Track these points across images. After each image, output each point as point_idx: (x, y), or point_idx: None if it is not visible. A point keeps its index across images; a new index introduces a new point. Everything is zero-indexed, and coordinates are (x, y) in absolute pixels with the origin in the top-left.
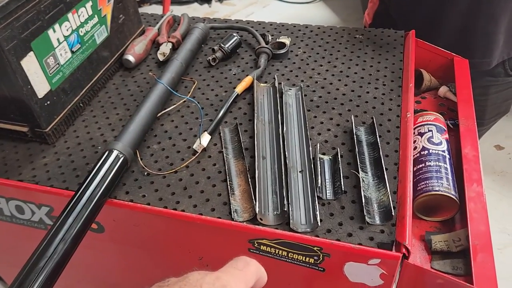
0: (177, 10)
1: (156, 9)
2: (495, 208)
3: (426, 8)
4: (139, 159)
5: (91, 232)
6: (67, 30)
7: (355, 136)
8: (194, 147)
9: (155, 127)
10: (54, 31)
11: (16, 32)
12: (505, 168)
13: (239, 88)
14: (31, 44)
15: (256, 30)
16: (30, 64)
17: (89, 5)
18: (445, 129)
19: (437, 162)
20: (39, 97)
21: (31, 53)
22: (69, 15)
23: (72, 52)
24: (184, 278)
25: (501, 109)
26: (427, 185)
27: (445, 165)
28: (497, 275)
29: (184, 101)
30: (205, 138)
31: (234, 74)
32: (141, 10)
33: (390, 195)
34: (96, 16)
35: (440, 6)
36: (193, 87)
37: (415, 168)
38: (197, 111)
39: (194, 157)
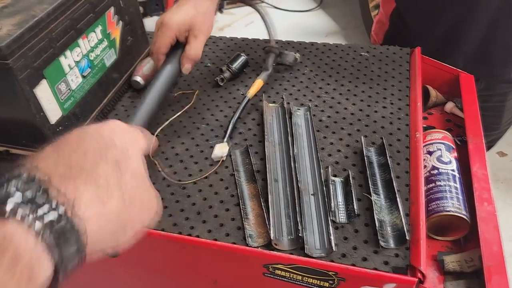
0: None
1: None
2: (499, 216)
3: (446, 23)
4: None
5: (104, 256)
6: (77, 55)
7: (365, 157)
8: (212, 157)
9: (165, 149)
10: (66, 57)
11: (30, 61)
12: (508, 175)
13: (250, 93)
14: (43, 71)
15: (262, 49)
16: (43, 91)
17: (98, 29)
18: (454, 147)
19: (447, 182)
20: (52, 123)
21: (44, 81)
22: (80, 40)
23: (83, 76)
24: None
25: None
26: (438, 205)
27: (455, 185)
28: None
29: (194, 123)
30: (224, 148)
31: (242, 94)
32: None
33: (403, 218)
34: (105, 40)
35: (460, 21)
36: (195, 96)
37: (425, 188)
38: (207, 132)
39: (214, 168)
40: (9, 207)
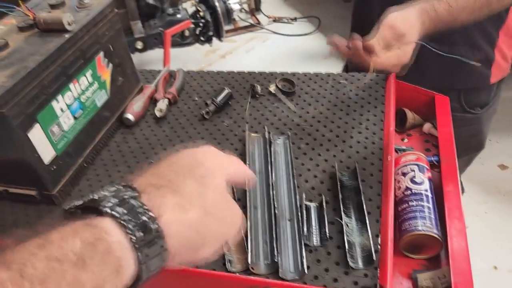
0: (179, 52)
1: (159, 52)
2: (502, 229)
3: None
4: None
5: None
6: (69, 99)
7: (339, 182)
8: None
9: None
10: (58, 101)
11: (23, 108)
12: (510, 187)
13: None
14: (36, 116)
15: (247, 81)
16: (36, 134)
17: (89, 73)
18: (427, 167)
19: (419, 202)
20: (46, 163)
21: (37, 125)
22: (71, 85)
23: (75, 118)
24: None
25: (471, 145)
26: (410, 225)
27: (428, 205)
28: None
29: None
30: None
31: (227, 126)
32: (144, 55)
33: (371, 239)
34: (96, 82)
35: None
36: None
37: (399, 208)
38: None
39: None
40: (103, 207)
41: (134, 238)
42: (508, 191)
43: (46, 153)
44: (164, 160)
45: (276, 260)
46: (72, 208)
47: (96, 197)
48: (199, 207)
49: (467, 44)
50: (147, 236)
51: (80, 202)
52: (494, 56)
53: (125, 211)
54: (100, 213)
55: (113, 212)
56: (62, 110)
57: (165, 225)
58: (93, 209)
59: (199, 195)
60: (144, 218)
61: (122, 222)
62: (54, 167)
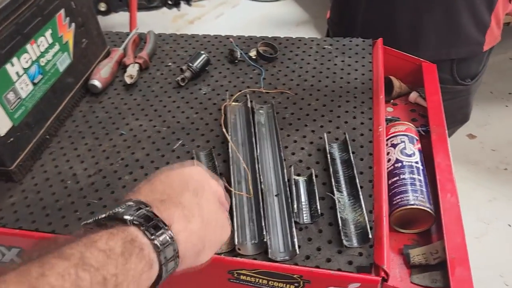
0: (145, 16)
1: (124, 16)
2: (471, 197)
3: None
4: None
5: None
6: (26, 62)
7: (328, 154)
8: None
9: (125, 156)
10: (13, 65)
11: None
12: (478, 157)
13: None
14: None
15: (224, 45)
16: None
17: (48, 33)
18: (417, 138)
19: (411, 175)
20: (1, 135)
21: None
22: (28, 46)
23: (34, 84)
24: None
25: (456, 117)
26: (402, 199)
27: (419, 177)
28: (474, 264)
29: (155, 126)
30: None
31: (205, 94)
32: (108, 18)
33: (366, 216)
34: (57, 43)
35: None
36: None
37: (390, 182)
38: (169, 136)
39: None
40: (127, 218)
41: (155, 242)
42: (476, 160)
43: (1, 123)
44: (154, 178)
45: (264, 239)
46: (94, 221)
47: (115, 211)
48: (199, 216)
49: (466, 8)
50: (164, 242)
51: (102, 215)
52: (490, 22)
53: (144, 221)
54: (123, 223)
55: (135, 222)
56: (18, 74)
57: (175, 233)
58: (114, 220)
59: (196, 205)
60: (160, 226)
61: (144, 229)
62: (11, 139)
